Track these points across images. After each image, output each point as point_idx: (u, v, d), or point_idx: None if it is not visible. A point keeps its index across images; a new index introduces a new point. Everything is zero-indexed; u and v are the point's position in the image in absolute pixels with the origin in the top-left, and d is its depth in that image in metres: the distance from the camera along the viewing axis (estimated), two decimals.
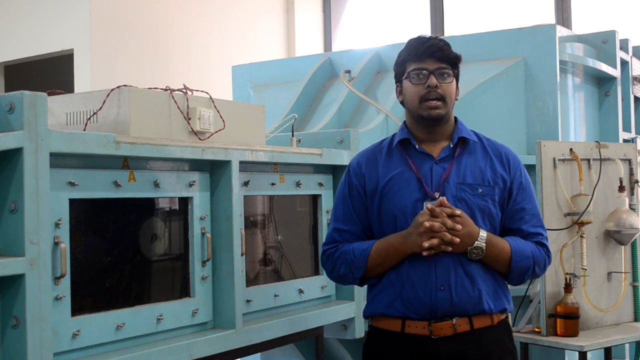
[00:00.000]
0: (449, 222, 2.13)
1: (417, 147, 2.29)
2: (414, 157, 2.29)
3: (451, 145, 2.29)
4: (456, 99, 2.31)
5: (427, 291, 2.18)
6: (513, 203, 2.28)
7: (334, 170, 3.00)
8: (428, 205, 2.15)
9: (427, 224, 2.11)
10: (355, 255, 2.27)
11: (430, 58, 2.23)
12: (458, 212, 2.15)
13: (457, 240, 2.13)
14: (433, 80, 2.22)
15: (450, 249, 2.14)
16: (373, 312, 2.31)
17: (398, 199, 2.25)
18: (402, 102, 2.35)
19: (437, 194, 2.21)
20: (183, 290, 2.35)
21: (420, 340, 2.19)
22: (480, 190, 2.24)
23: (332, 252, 2.33)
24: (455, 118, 2.35)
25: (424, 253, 2.14)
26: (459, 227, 2.13)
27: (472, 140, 2.30)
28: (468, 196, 2.22)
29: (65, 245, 1.92)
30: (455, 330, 2.18)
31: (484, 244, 2.17)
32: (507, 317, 2.32)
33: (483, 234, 2.18)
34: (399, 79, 2.33)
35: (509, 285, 2.33)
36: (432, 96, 2.22)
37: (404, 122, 2.37)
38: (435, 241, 2.12)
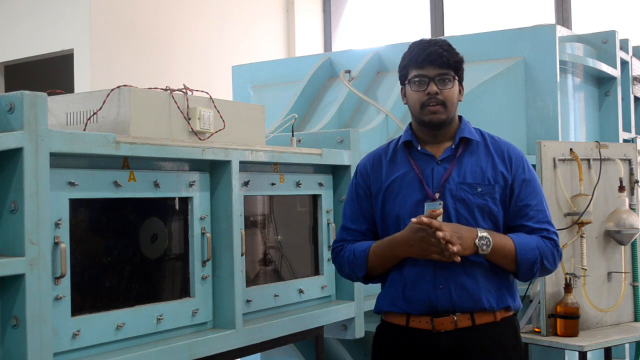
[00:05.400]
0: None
1: (419, 148, 2.31)
2: (416, 158, 2.30)
3: (453, 146, 2.29)
4: (460, 100, 2.31)
5: (427, 290, 2.21)
6: (516, 200, 2.26)
7: (334, 170, 2.99)
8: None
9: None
10: (356, 256, 2.32)
11: (431, 65, 2.23)
12: (440, 234, 2.08)
13: (459, 247, 2.10)
14: (433, 87, 2.23)
15: (459, 259, 2.11)
16: (380, 309, 2.37)
17: (400, 199, 2.27)
18: (406, 104, 2.36)
19: (437, 195, 2.22)
20: (183, 290, 2.35)
21: (423, 334, 2.23)
22: (479, 190, 2.23)
23: (339, 251, 2.39)
24: (460, 117, 2.36)
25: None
26: (456, 247, 2.10)
27: (475, 139, 2.30)
28: (467, 195, 2.23)
29: (65, 245, 1.92)
30: (456, 326, 2.20)
31: (486, 232, 2.16)
32: (513, 315, 2.31)
33: (480, 229, 2.17)
34: (402, 83, 2.34)
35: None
36: (432, 103, 2.23)
37: (410, 123, 2.38)
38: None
